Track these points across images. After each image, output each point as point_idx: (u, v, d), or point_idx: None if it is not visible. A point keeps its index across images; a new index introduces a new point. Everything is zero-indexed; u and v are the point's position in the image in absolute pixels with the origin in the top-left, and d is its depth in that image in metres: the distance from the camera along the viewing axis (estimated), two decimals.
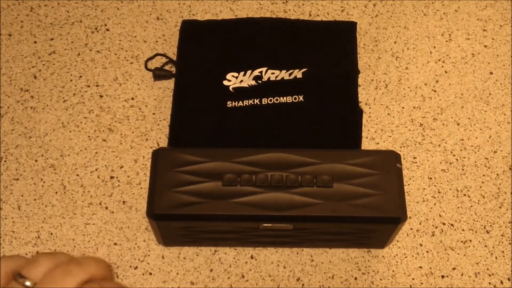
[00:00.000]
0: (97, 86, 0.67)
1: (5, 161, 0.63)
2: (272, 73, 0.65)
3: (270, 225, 0.50)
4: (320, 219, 0.49)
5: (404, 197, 0.50)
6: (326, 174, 0.50)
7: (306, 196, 0.49)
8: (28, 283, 0.32)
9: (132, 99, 0.67)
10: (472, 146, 0.64)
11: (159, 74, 0.68)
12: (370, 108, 0.66)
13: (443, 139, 0.65)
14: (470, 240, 0.59)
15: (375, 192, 0.50)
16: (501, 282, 0.57)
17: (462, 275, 0.57)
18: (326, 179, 0.50)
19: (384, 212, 0.49)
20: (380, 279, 0.57)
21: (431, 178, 0.62)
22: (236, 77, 0.65)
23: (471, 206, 0.61)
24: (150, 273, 0.57)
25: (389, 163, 0.51)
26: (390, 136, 0.65)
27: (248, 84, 0.65)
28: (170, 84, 0.68)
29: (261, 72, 0.66)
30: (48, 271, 0.33)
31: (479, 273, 0.57)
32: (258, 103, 0.64)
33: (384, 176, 0.51)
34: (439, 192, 0.62)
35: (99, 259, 0.36)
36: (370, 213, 0.49)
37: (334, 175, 0.50)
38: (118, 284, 0.41)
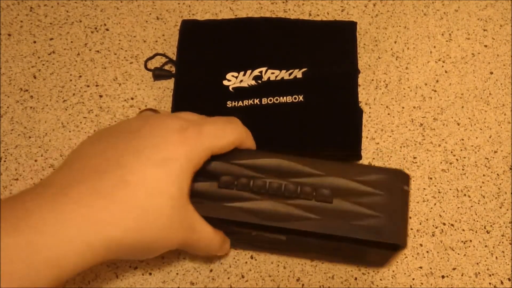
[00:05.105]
0: (96, 86, 0.67)
1: (4, 161, 0.62)
2: (272, 73, 0.65)
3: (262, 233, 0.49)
4: (314, 235, 0.46)
5: (407, 223, 0.46)
6: (327, 188, 0.47)
7: (302, 210, 0.46)
8: None
9: (132, 99, 0.67)
10: (472, 146, 0.64)
11: (159, 74, 0.68)
12: (370, 108, 0.66)
13: (443, 139, 0.65)
14: (470, 240, 0.59)
15: (377, 214, 0.46)
16: (501, 282, 0.57)
17: (462, 275, 0.57)
18: (326, 193, 0.47)
19: (383, 237, 0.45)
20: (380, 279, 0.57)
21: (431, 178, 0.62)
22: (236, 77, 0.65)
23: (471, 206, 0.61)
24: (150, 273, 0.57)
25: (395, 184, 0.47)
26: (390, 136, 0.65)
27: (248, 84, 0.65)
28: (170, 84, 0.68)
29: (261, 72, 0.65)
30: None
31: (479, 273, 0.57)
32: (258, 103, 0.64)
33: (389, 197, 0.47)
34: (439, 192, 0.62)
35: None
36: (368, 236, 0.45)
37: (335, 190, 0.47)
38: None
